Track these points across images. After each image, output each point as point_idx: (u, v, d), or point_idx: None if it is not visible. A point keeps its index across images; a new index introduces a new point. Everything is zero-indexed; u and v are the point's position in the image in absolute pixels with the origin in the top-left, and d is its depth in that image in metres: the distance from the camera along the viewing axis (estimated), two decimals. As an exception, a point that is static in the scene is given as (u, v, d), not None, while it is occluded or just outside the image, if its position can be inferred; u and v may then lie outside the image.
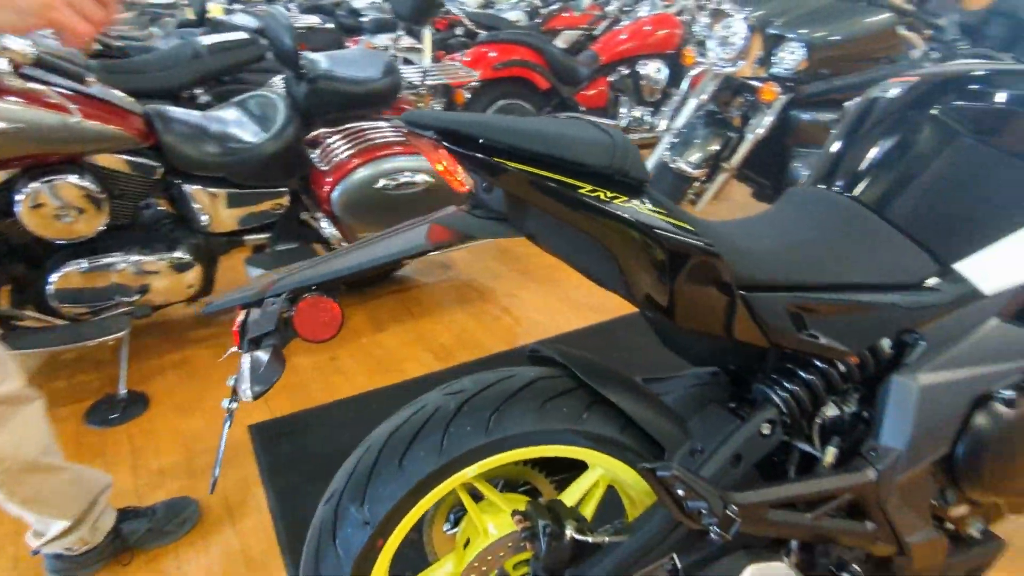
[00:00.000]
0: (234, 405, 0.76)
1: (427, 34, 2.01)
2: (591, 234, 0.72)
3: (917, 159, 0.93)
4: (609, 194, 0.71)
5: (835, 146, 1.03)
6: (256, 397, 0.68)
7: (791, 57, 2.35)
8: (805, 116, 2.53)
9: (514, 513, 0.84)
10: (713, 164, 2.55)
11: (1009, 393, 0.92)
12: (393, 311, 2.29)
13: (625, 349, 2.12)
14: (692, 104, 2.65)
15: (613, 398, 0.83)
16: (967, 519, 0.98)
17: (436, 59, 3.80)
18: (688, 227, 0.73)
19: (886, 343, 0.90)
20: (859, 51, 2.35)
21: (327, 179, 1.89)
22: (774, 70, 2.42)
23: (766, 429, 0.86)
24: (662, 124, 3.55)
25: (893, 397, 0.88)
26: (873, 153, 0.97)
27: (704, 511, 0.75)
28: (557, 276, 2.58)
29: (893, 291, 0.87)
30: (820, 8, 2.37)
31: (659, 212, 0.73)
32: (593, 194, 0.70)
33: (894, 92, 0.98)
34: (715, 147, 2.54)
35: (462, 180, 0.75)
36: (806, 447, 0.90)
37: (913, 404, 0.87)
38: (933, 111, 0.93)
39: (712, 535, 0.76)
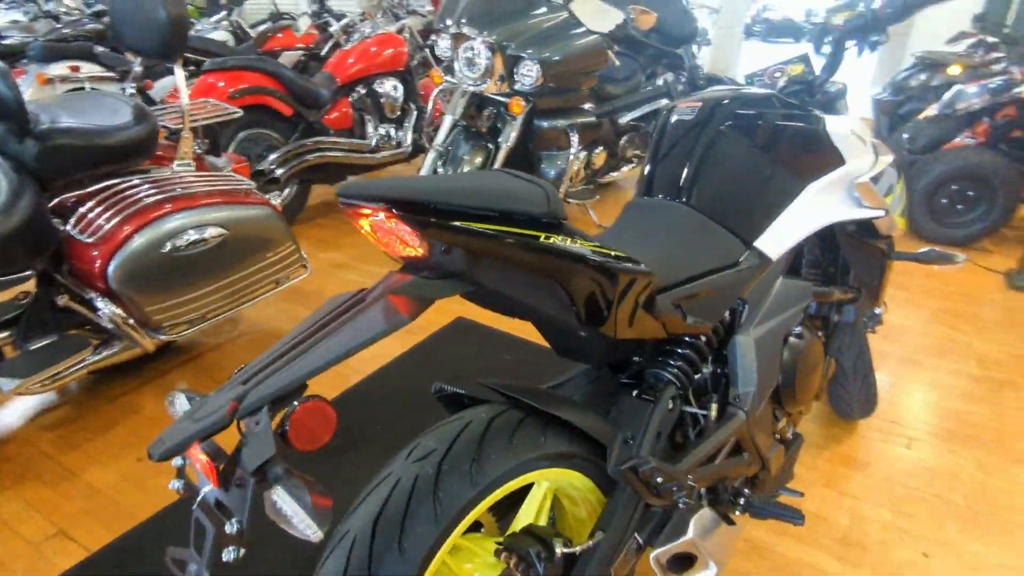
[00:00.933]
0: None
1: (180, 71, 1.79)
2: (549, 276, 0.80)
3: (717, 164, 1.20)
4: (557, 238, 0.80)
5: (652, 162, 1.26)
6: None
7: (530, 74, 2.66)
8: (545, 124, 2.89)
9: (498, 552, 0.88)
10: (480, 175, 2.76)
11: (798, 330, 1.25)
12: (196, 383, 2.01)
13: (453, 360, 2.21)
14: (448, 121, 2.82)
15: (562, 415, 0.93)
16: (786, 428, 1.31)
17: (145, 90, 3.33)
18: (622, 254, 0.85)
19: (727, 313, 1.15)
20: (580, 67, 2.77)
21: (94, 253, 1.58)
22: (517, 86, 2.71)
23: (671, 404, 1.04)
24: (408, 139, 3.67)
25: (738, 353, 1.14)
26: (685, 164, 1.22)
27: (675, 488, 0.89)
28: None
29: (724, 271, 1.12)
30: (544, 31, 2.72)
31: (590, 244, 0.84)
32: (549, 240, 0.78)
33: (687, 114, 1.24)
34: (480, 159, 2.76)
35: (412, 244, 0.76)
36: (697, 411, 1.11)
37: (752, 355, 1.14)
38: (720, 126, 1.21)
39: (680, 505, 0.91)
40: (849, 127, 1.27)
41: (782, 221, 1.21)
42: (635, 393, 1.08)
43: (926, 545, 1.53)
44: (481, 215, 0.76)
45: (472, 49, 2.64)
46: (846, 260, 1.44)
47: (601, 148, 3.19)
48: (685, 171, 1.21)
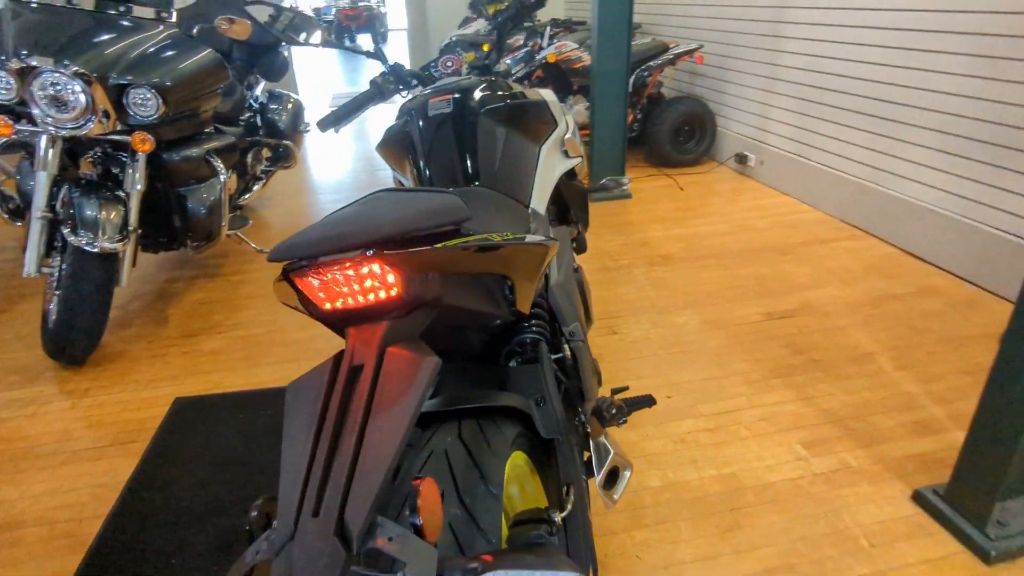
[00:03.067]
0: None
1: None
2: (497, 272, 0.83)
3: (485, 144, 1.34)
4: (497, 236, 0.84)
5: (429, 156, 1.32)
6: None
7: (147, 104, 2.27)
8: (176, 156, 2.53)
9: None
10: (124, 233, 2.28)
11: (576, 265, 1.52)
12: None
13: (209, 446, 1.88)
14: (43, 179, 2.22)
15: (501, 403, 0.98)
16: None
17: None
18: (522, 234, 0.93)
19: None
20: (201, 87, 2.48)
21: None
22: (134, 120, 2.29)
23: (548, 359, 1.19)
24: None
25: (559, 297, 1.34)
26: (461, 149, 1.32)
27: (614, 412, 1.04)
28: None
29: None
30: (150, 52, 2.34)
31: (497, 233, 0.90)
32: (504, 237, 0.81)
33: (444, 107, 1.33)
34: (115, 212, 2.27)
35: (389, 284, 0.71)
36: (555, 355, 1.27)
37: (566, 296, 1.35)
38: (474, 112, 1.34)
39: (620, 424, 1.07)
40: (551, 96, 1.55)
41: (538, 180, 1.43)
42: (518, 363, 1.18)
43: (667, 390, 2.06)
44: (435, 234, 0.75)
45: (55, 85, 2.11)
46: (566, 200, 1.77)
47: (231, 171, 2.95)
48: (465, 156, 1.32)
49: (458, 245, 0.74)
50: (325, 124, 1.53)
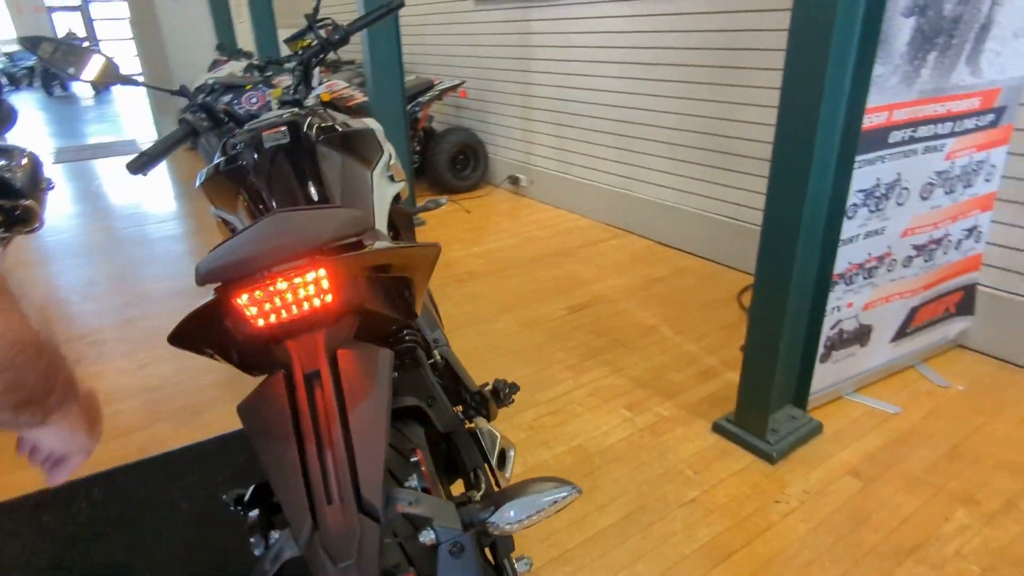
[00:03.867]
0: None
1: None
2: (402, 276, 0.91)
3: (326, 171, 1.37)
4: (402, 242, 0.91)
5: (270, 188, 1.31)
6: None
7: None
8: None
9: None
10: None
11: None
12: None
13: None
14: None
15: (409, 404, 1.05)
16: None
17: None
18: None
19: None
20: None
21: None
22: None
23: (429, 357, 1.27)
24: None
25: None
26: (301, 178, 1.33)
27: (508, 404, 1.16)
28: None
29: None
30: None
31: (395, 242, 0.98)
32: (407, 245, 0.89)
33: (279, 139, 1.34)
34: None
35: (325, 291, 0.75)
36: (434, 360, 1.36)
37: (422, 307, 1.45)
38: (311, 142, 1.37)
39: (509, 404, 1.19)
40: (376, 124, 1.63)
41: (377, 205, 1.51)
42: (406, 360, 1.25)
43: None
44: (351, 244, 0.81)
45: None
46: (395, 223, 1.85)
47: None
48: (308, 183, 1.34)
49: (386, 248, 0.80)
50: (135, 166, 1.42)
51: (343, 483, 0.61)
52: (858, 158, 1.70)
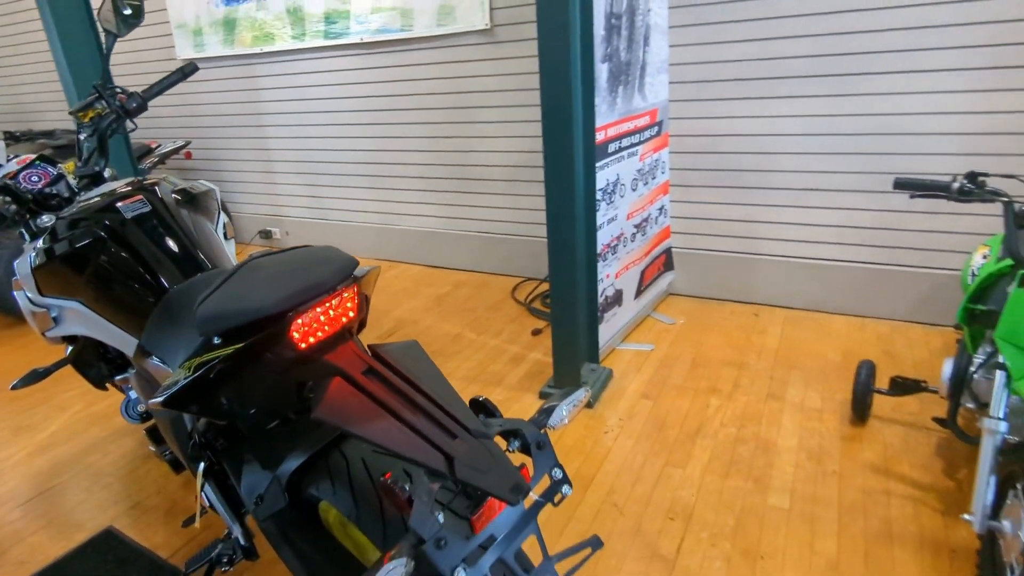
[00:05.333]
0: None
1: None
2: (366, 293, 1.11)
3: (195, 231, 1.42)
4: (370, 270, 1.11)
5: (152, 255, 1.32)
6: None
7: None
8: None
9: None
10: None
11: None
12: None
13: None
14: None
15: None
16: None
17: None
18: None
19: None
20: None
21: None
22: None
23: None
24: None
25: None
26: (176, 241, 1.37)
27: None
28: None
29: None
30: None
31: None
32: (374, 268, 1.09)
33: (140, 207, 1.35)
34: None
35: (353, 309, 0.94)
36: None
37: None
38: (170, 207, 1.41)
39: None
40: (214, 186, 1.68)
41: (233, 261, 1.59)
42: None
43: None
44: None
45: None
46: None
47: None
48: (186, 245, 1.38)
49: (372, 270, 1.01)
50: None
51: (451, 426, 0.83)
52: (596, 165, 2.31)
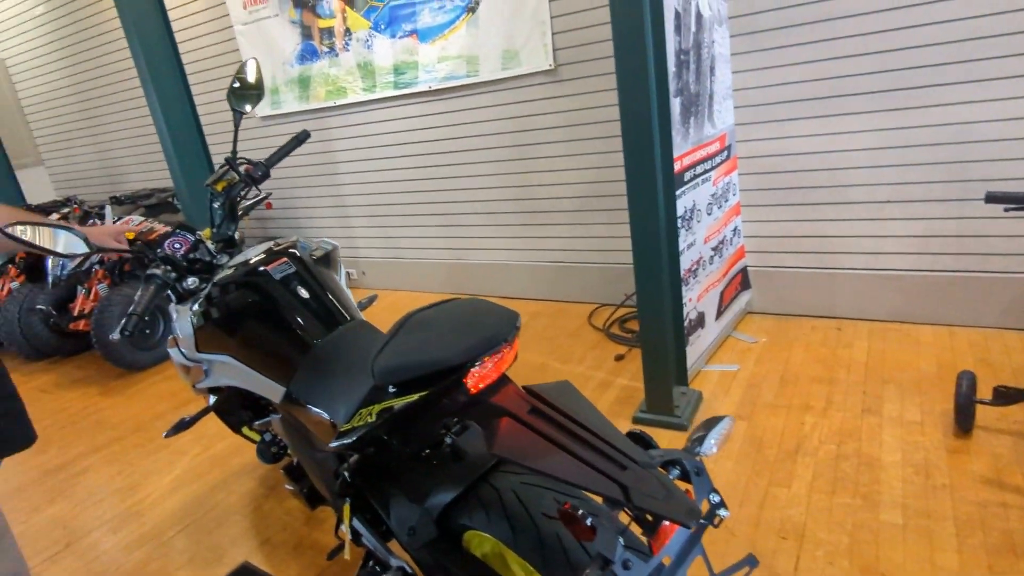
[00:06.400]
0: None
1: None
2: None
3: (336, 288, 1.57)
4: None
5: (298, 312, 1.47)
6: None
7: None
8: None
9: None
10: None
11: None
12: None
13: None
14: None
15: None
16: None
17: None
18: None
19: None
20: None
21: None
22: None
23: None
24: None
25: None
26: (320, 296, 1.52)
27: None
28: None
29: None
30: None
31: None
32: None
33: (287, 268, 1.51)
34: None
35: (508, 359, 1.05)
36: None
37: None
38: (308, 266, 1.56)
39: None
40: (336, 244, 1.84)
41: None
42: None
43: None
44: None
45: None
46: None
47: None
48: (328, 301, 1.53)
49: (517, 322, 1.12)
50: (128, 329, 1.44)
51: (619, 456, 0.92)
52: (675, 193, 2.39)
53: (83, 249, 1.43)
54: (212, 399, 1.86)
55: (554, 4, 3.29)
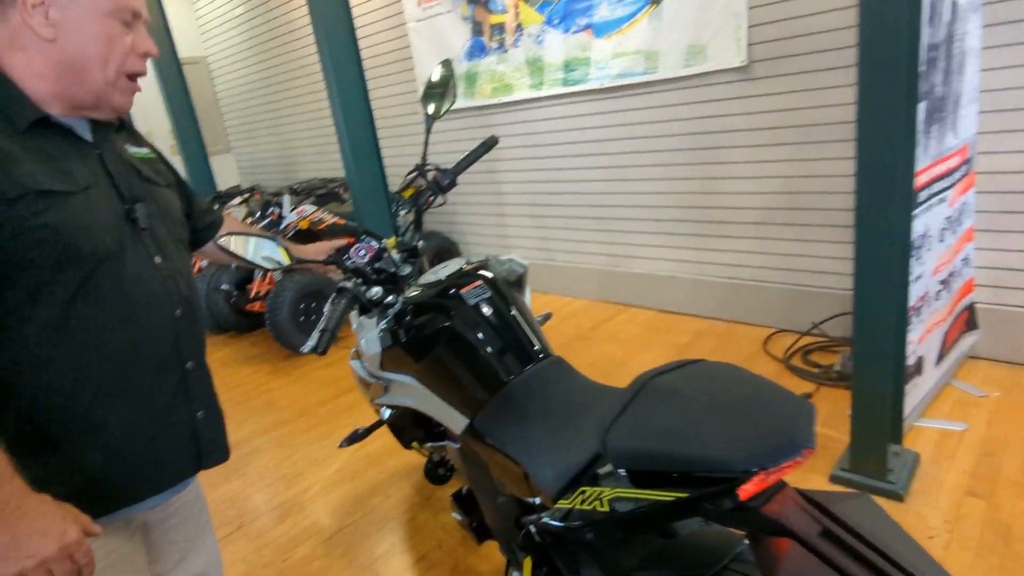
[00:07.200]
0: None
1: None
2: None
3: (521, 315, 1.42)
4: None
5: (490, 342, 1.34)
6: None
7: None
8: None
9: None
10: None
11: None
12: None
13: None
14: None
15: None
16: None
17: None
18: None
19: None
20: None
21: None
22: None
23: None
24: None
25: None
26: (512, 327, 1.38)
27: None
28: None
29: None
30: None
31: None
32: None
33: (482, 292, 1.38)
34: None
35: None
36: None
37: None
38: (501, 290, 1.42)
39: None
40: (525, 262, 1.70)
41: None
42: None
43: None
44: None
45: None
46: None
47: None
48: (524, 331, 1.38)
49: None
50: (320, 347, 1.38)
51: None
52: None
53: (284, 262, 1.39)
54: (386, 412, 1.80)
55: (754, -7, 2.94)
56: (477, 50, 4.21)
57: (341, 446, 1.85)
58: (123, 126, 1.22)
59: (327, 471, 2.69)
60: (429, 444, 1.75)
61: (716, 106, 3.23)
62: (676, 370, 0.94)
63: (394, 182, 5.30)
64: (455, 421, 1.43)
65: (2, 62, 0.98)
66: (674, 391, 0.88)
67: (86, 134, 1.08)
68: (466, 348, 1.37)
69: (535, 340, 1.41)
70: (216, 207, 1.54)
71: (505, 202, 4.53)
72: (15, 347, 0.95)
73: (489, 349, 1.36)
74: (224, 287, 4.36)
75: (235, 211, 5.08)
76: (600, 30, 3.54)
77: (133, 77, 1.06)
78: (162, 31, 5.11)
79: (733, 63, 3.06)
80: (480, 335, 1.37)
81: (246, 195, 5.35)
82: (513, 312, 1.42)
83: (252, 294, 4.25)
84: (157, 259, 1.10)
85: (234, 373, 3.95)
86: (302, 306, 3.94)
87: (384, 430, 1.84)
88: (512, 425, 1.27)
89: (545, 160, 4.14)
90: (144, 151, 1.23)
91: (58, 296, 0.96)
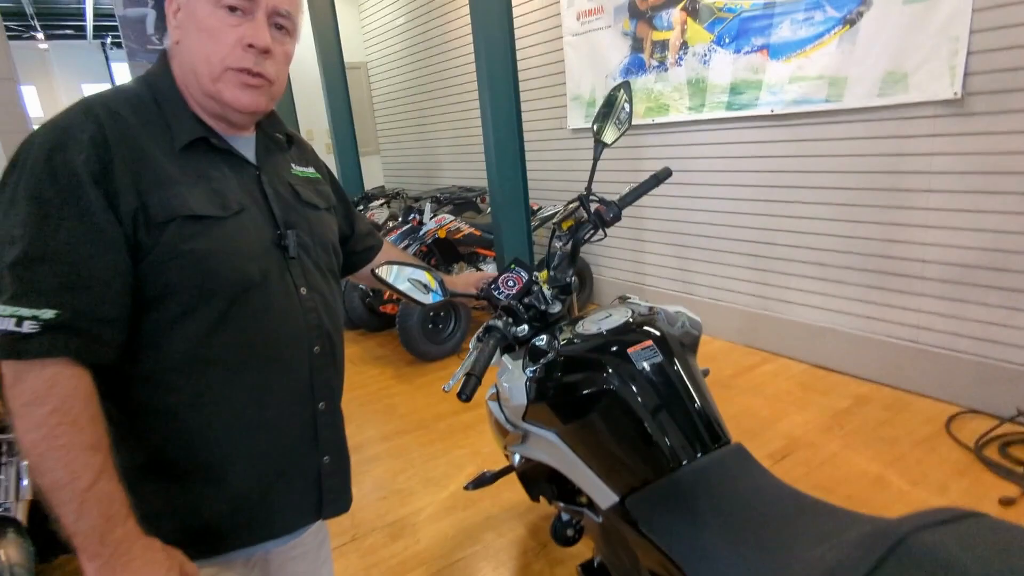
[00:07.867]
0: None
1: None
2: None
3: (701, 391, 1.22)
4: None
5: (663, 423, 1.15)
6: None
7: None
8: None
9: None
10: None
11: None
12: None
13: None
14: None
15: None
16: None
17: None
18: None
19: None
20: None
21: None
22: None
23: None
24: None
25: None
26: (685, 403, 1.18)
27: None
28: None
29: None
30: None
31: None
32: None
33: (653, 355, 1.21)
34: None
35: None
36: None
37: None
38: (672, 354, 1.23)
39: None
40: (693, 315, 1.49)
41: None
42: None
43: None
44: None
45: None
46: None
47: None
48: (700, 410, 1.18)
49: None
50: (467, 393, 1.25)
51: None
52: None
53: (439, 296, 1.29)
54: (517, 459, 1.66)
55: (979, 15, 2.50)
56: (635, 67, 4.01)
57: (467, 488, 1.74)
58: (292, 142, 1.17)
59: (441, 494, 2.61)
60: (562, 505, 1.58)
61: (914, 143, 2.80)
62: (946, 525, 0.71)
63: (531, 196, 5.22)
64: (601, 494, 1.25)
65: (174, 75, 0.95)
66: (948, 563, 0.65)
67: (249, 153, 1.03)
68: (628, 419, 1.18)
69: (713, 422, 1.21)
70: (378, 232, 1.48)
71: (645, 227, 4.29)
72: (153, 373, 0.90)
73: (656, 425, 1.17)
74: (362, 286, 4.49)
75: (377, 213, 5.24)
76: (777, 51, 3.22)
77: (242, 71, 0.92)
78: (332, 38, 5.40)
79: (943, 95, 2.63)
80: (647, 406, 1.18)
81: (389, 197, 5.52)
82: (689, 386, 1.22)
83: (386, 295, 4.34)
84: (303, 290, 1.03)
85: (360, 372, 4.03)
86: (431, 314, 3.95)
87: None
88: (678, 521, 1.07)
89: (697, 187, 3.85)
90: (309, 171, 1.17)
91: (199, 323, 0.90)
